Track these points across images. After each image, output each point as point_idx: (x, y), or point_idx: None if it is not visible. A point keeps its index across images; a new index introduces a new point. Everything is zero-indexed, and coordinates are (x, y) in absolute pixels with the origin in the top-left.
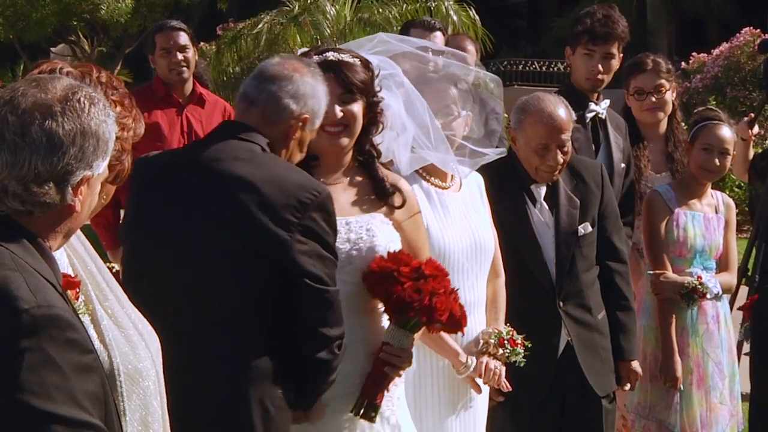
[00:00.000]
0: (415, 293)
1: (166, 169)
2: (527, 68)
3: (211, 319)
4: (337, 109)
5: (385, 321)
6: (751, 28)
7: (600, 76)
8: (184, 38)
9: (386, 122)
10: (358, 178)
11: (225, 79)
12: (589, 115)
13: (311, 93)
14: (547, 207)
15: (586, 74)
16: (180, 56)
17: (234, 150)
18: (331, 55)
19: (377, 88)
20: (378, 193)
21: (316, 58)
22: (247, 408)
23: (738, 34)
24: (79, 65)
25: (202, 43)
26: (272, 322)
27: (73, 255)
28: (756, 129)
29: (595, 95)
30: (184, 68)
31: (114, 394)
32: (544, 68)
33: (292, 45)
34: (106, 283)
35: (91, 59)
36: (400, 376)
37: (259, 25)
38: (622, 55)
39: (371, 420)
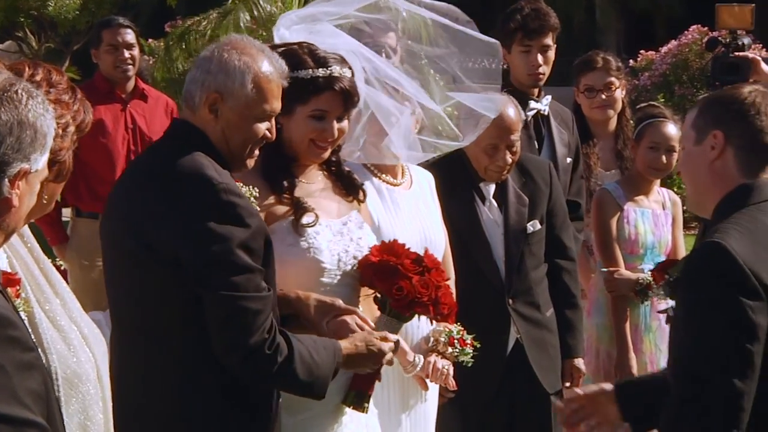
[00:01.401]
0: (423, 288)
1: (121, 175)
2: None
3: (136, 326)
4: (335, 127)
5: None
6: (699, 26)
7: (541, 69)
8: (131, 36)
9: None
10: (327, 175)
11: (175, 75)
12: (530, 114)
13: (220, 69)
14: (496, 205)
15: (526, 70)
16: (127, 54)
17: (156, 155)
18: (335, 71)
19: None
20: (348, 189)
21: (320, 71)
22: (180, 421)
23: (686, 32)
24: (13, 64)
25: (150, 40)
26: (201, 334)
27: (14, 255)
28: None
29: (536, 91)
30: (130, 66)
31: None
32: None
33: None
34: (50, 285)
35: (38, 56)
36: (391, 364)
37: (204, 22)
38: (555, 45)
39: (364, 410)
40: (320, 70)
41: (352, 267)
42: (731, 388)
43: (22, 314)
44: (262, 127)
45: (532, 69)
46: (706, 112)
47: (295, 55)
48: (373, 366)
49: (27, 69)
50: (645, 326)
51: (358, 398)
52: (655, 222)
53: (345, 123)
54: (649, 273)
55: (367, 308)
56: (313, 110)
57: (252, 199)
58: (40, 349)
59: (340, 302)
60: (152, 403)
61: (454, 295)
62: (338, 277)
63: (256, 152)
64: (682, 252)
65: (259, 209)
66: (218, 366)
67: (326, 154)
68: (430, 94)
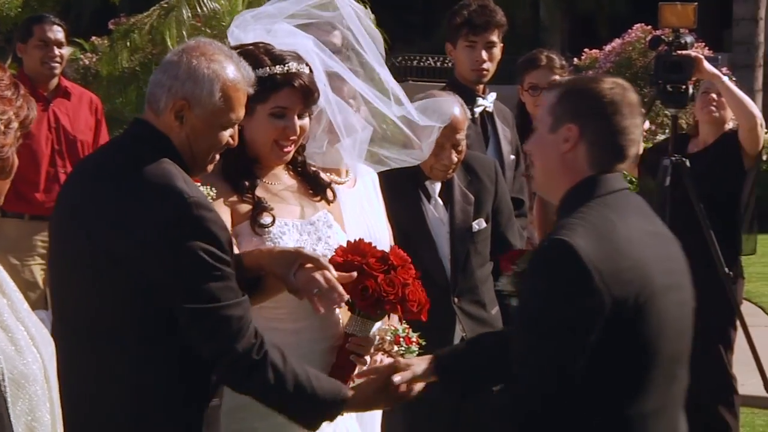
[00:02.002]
0: (389, 287)
1: (73, 172)
2: (421, 64)
3: (86, 327)
4: (297, 124)
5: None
6: (643, 24)
7: (485, 65)
8: (62, 35)
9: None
10: (293, 176)
11: (118, 73)
12: (478, 110)
13: (188, 76)
14: (441, 203)
15: (470, 65)
16: (57, 52)
17: (117, 156)
18: (293, 67)
19: None
20: (315, 189)
21: (277, 68)
22: (130, 424)
23: (629, 31)
24: None
25: (94, 38)
26: (153, 338)
27: None
28: (647, 125)
29: (481, 88)
30: (58, 64)
31: None
32: (438, 63)
33: (168, 40)
34: None
35: None
36: (364, 364)
37: (152, 19)
38: (503, 44)
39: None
40: (277, 67)
41: None
42: (549, 387)
43: None
44: (226, 134)
45: (476, 65)
46: (565, 101)
47: (252, 55)
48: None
49: None
50: None
51: None
52: None
53: (306, 120)
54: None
55: (341, 310)
56: (273, 108)
57: (210, 198)
58: None
59: (304, 250)
60: (101, 405)
61: (424, 291)
62: None
63: (217, 157)
64: None
65: (223, 207)
66: (170, 370)
67: (289, 156)
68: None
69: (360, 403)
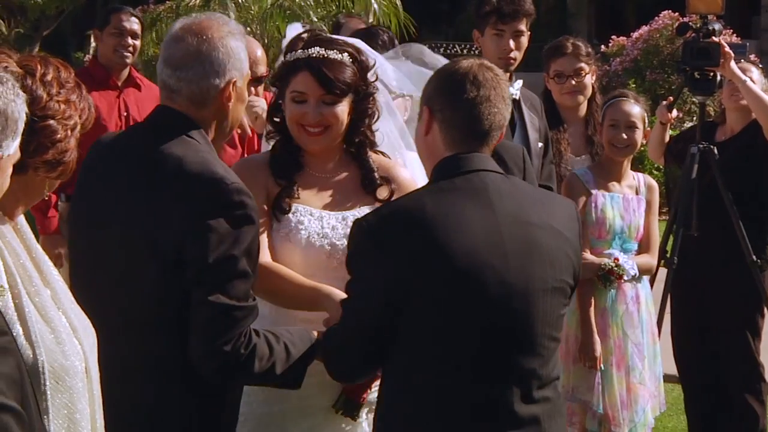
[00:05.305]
0: None
1: (105, 157)
2: (448, 51)
3: (126, 317)
4: (317, 111)
5: None
6: (670, 11)
7: (512, 54)
8: (137, 26)
9: (381, 111)
10: (349, 170)
11: (145, 60)
12: None
13: (228, 57)
14: None
15: (498, 54)
16: (130, 41)
17: (154, 144)
18: (314, 52)
19: (371, 78)
20: (365, 185)
21: (300, 52)
22: (157, 417)
23: (657, 18)
24: (22, 59)
25: None
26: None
27: (4, 246)
28: (674, 112)
29: (508, 76)
30: (130, 54)
31: (37, 393)
32: (465, 51)
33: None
34: (40, 274)
35: (8, 41)
36: None
37: (179, 7)
38: (530, 32)
39: (353, 419)
40: (301, 51)
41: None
42: (351, 345)
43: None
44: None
45: (504, 53)
46: (425, 88)
47: (297, 39)
48: None
49: (39, 67)
50: (611, 311)
51: (348, 405)
52: (626, 207)
53: (336, 109)
54: (613, 259)
55: None
56: (292, 92)
57: None
58: (27, 343)
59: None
60: (128, 397)
61: None
62: (327, 269)
63: None
64: (656, 238)
65: (262, 192)
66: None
67: (321, 141)
68: None
69: None
